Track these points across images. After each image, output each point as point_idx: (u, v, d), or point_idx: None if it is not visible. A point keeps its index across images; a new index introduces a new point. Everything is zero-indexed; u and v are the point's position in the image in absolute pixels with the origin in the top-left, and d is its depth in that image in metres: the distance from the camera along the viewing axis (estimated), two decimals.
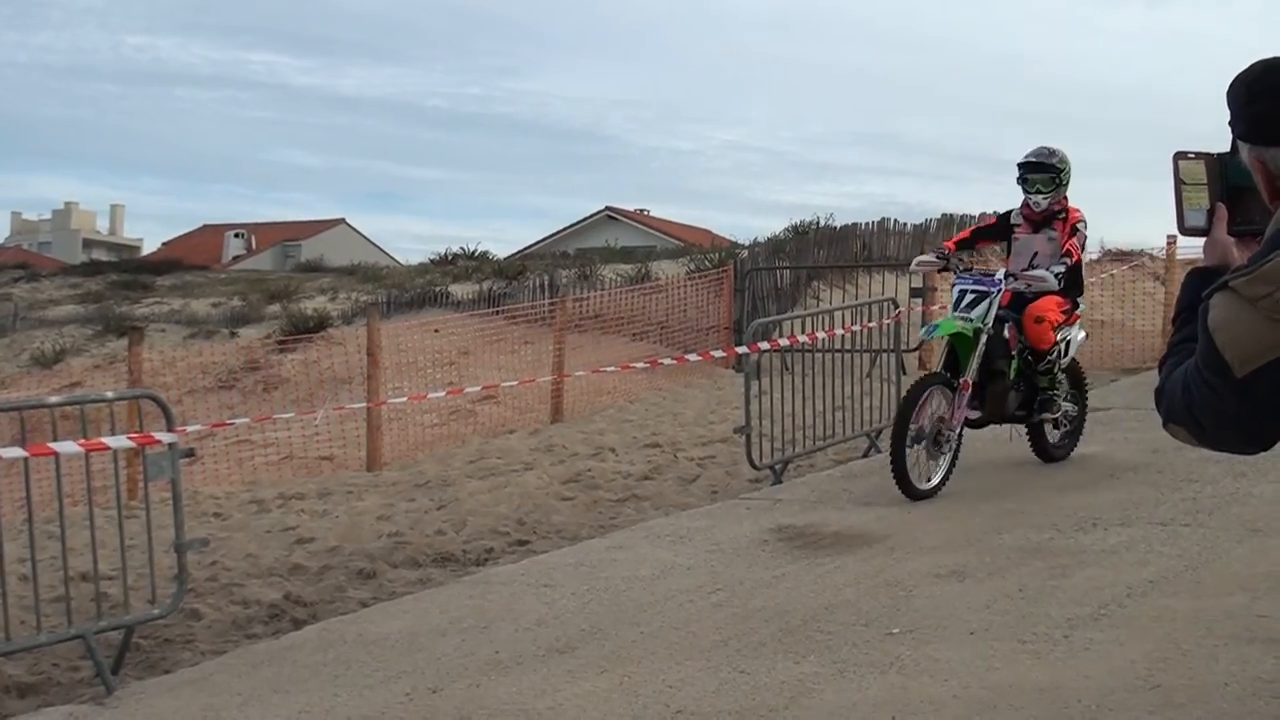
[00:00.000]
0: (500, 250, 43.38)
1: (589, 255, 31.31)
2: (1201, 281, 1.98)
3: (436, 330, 18.06)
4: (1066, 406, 8.01)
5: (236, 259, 56.36)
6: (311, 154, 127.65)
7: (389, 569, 7.13)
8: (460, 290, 24.31)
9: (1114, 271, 18.25)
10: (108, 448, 5.73)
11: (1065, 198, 7.85)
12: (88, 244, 68.45)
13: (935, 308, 14.53)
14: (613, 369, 13.16)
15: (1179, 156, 2.09)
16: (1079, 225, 7.78)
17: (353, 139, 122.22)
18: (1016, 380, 7.69)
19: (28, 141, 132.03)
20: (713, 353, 12.81)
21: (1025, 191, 7.82)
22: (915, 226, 24.52)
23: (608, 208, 48.82)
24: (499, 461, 10.63)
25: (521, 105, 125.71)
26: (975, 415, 7.57)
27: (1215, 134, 2.08)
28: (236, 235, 60.80)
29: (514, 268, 27.84)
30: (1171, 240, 14.78)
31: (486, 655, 5.05)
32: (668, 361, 12.22)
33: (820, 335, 9.61)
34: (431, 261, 36.27)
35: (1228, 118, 2.01)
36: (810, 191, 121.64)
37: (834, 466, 9.00)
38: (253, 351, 19.23)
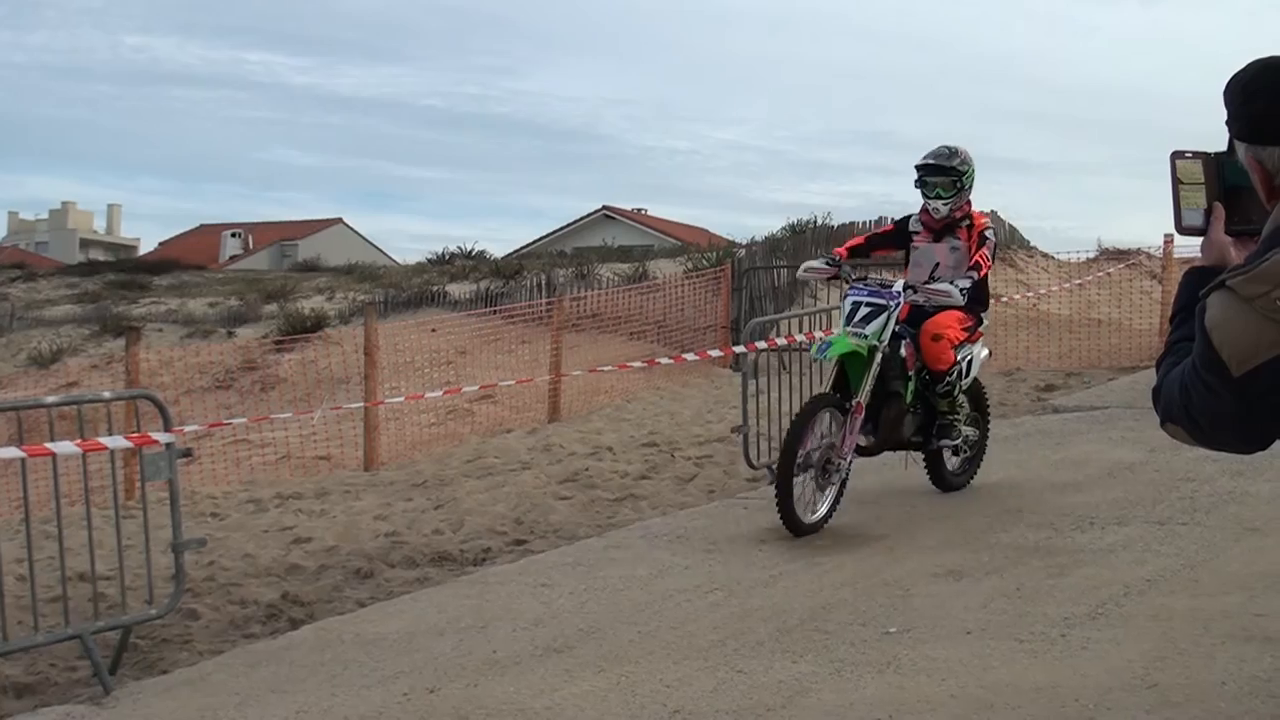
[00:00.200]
0: (497, 250, 43.50)
1: (586, 254, 31.34)
2: (1199, 281, 1.98)
3: (434, 330, 18.06)
4: (967, 431, 7.41)
5: (233, 259, 56.38)
6: (308, 153, 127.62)
7: (386, 569, 7.13)
8: (457, 290, 24.33)
9: (1111, 270, 18.28)
10: (105, 448, 5.72)
11: (969, 202, 7.26)
12: (85, 244, 68.45)
13: None
14: (610, 368, 13.16)
15: (1176, 156, 2.09)
16: (986, 233, 7.16)
17: (350, 138, 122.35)
18: (913, 403, 7.06)
19: (25, 141, 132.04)
20: (710, 352, 12.80)
21: (924, 196, 7.21)
22: None
23: (605, 207, 48.84)
24: (496, 461, 10.63)
25: (518, 105, 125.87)
26: (867, 441, 6.99)
27: (1212, 133, 2.08)
28: (233, 235, 60.80)
29: (511, 267, 27.85)
30: (1169, 239, 14.78)
31: (484, 655, 5.05)
32: (665, 361, 12.21)
33: (818, 335, 9.61)
34: (429, 261, 36.32)
35: (1224, 117, 2.02)
36: (807, 190, 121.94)
37: None
38: (250, 351, 19.22)
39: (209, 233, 62.16)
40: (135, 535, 6.03)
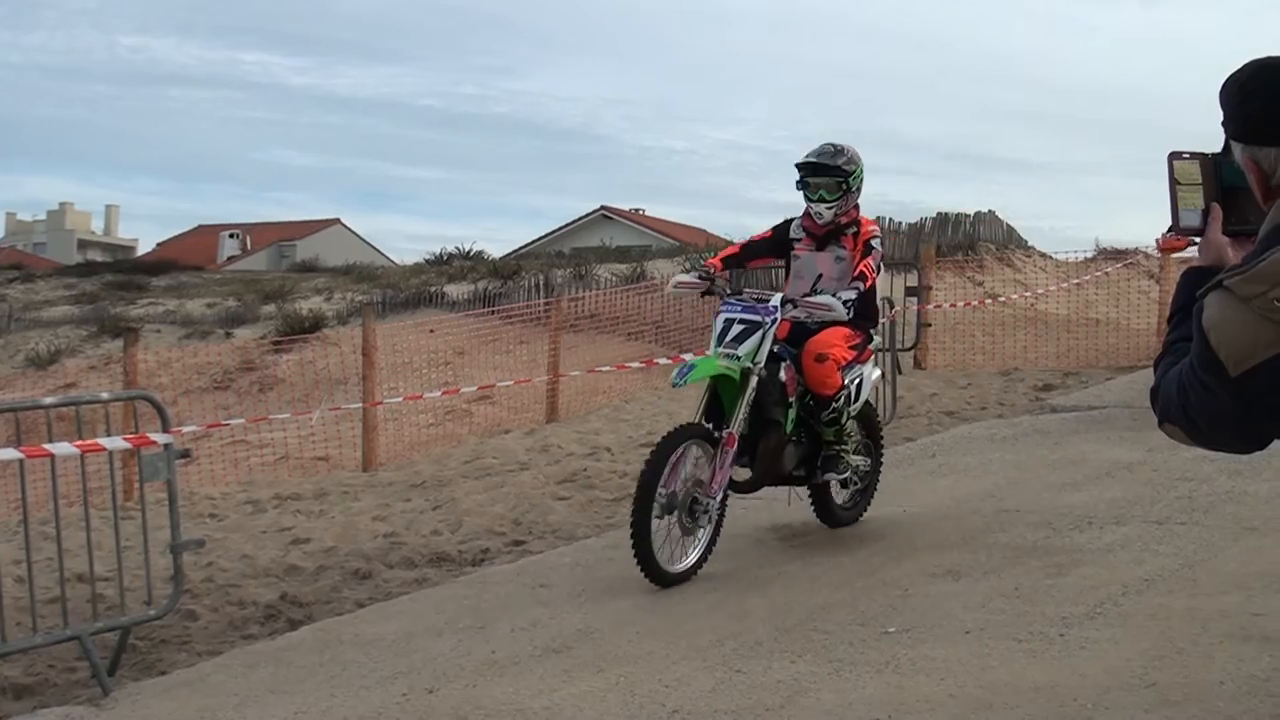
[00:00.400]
0: (495, 250, 43.53)
1: (584, 255, 31.36)
2: (1197, 281, 1.98)
3: (432, 330, 18.07)
4: (856, 461, 6.65)
5: (231, 259, 56.37)
6: (306, 154, 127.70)
7: (385, 569, 7.12)
8: (455, 290, 24.34)
9: (1109, 270, 18.29)
10: (103, 449, 5.72)
11: (856, 207, 6.55)
12: (83, 244, 68.42)
13: (931, 307, 14.53)
14: (608, 369, 13.17)
15: (1174, 157, 2.09)
16: (873, 241, 6.46)
17: (347, 139, 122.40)
18: (795, 432, 6.29)
19: (22, 142, 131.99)
20: (708, 352, 12.79)
21: (807, 199, 6.50)
22: (910, 225, 24.60)
23: (603, 207, 48.84)
24: (495, 461, 10.63)
25: (516, 105, 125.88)
26: (743, 477, 6.29)
27: (1211, 133, 2.09)
28: (231, 235, 60.79)
29: (509, 267, 27.86)
30: (1159, 242, 14.77)
31: (483, 655, 5.05)
32: (663, 361, 12.23)
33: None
34: (427, 261, 36.36)
35: (1221, 117, 2.02)
36: None
37: None
38: (248, 352, 19.22)
39: (207, 233, 62.14)
40: (134, 536, 6.03)
